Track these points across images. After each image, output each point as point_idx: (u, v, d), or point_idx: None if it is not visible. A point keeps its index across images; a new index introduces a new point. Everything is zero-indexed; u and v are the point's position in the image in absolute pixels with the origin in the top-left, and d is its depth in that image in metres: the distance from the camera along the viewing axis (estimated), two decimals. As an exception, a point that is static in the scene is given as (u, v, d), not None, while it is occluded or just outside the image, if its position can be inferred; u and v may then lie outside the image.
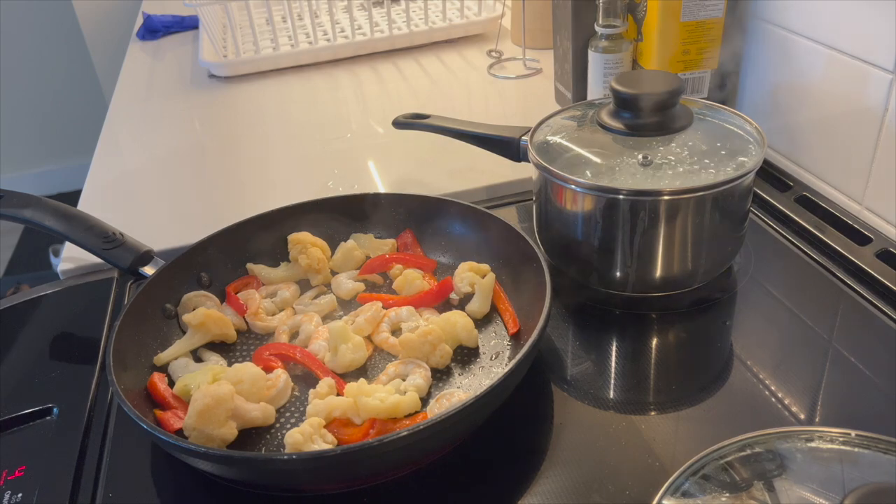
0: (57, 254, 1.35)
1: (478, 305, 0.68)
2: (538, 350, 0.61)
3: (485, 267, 0.71)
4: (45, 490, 0.55)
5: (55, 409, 0.62)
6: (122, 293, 0.77)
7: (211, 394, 0.55)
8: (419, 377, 0.61)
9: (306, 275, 0.74)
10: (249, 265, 0.75)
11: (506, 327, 0.67)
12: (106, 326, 0.72)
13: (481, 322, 0.68)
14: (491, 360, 0.64)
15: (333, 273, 0.76)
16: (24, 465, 0.57)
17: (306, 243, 0.74)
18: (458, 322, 0.64)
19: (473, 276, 0.70)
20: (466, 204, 0.75)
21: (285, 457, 0.50)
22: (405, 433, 0.49)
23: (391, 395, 0.57)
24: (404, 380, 0.61)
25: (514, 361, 0.54)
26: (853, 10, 0.73)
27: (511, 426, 0.56)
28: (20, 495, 0.54)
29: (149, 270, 0.70)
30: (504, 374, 0.52)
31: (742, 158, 0.66)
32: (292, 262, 0.75)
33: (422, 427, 0.49)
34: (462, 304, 0.69)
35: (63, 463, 0.57)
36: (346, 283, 0.73)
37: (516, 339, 0.65)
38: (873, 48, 0.71)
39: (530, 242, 0.67)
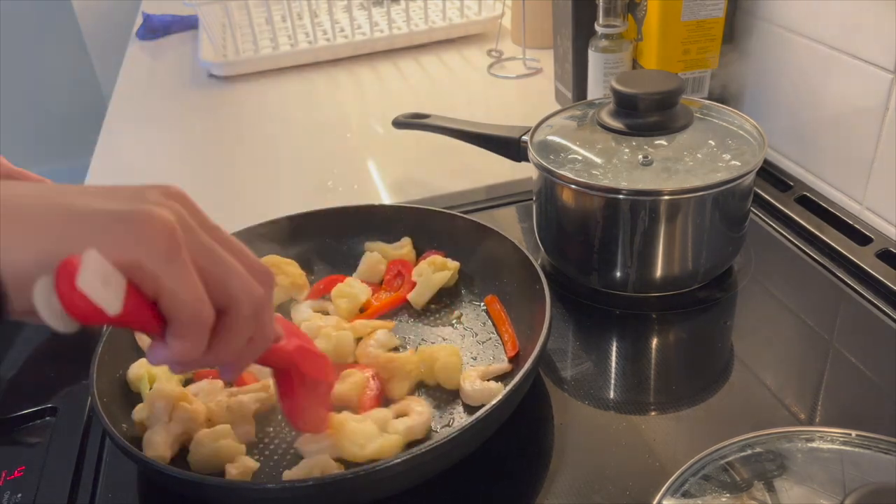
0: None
1: (414, 295, 0.66)
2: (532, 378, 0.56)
3: (452, 263, 0.68)
4: (45, 490, 0.55)
5: (55, 409, 0.62)
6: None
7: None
8: (412, 421, 0.54)
9: (288, 296, 0.69)
10: None
11: (505, 350, 0.63)
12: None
13: (480, 343, 0.64)
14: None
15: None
16: (23, 466, 0.57)
17: (279, 264, 0.69)
18: (439, 359, 0.58)
19: (424, 268, 0.67)
20: (470, 219, 0.71)
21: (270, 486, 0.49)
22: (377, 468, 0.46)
23: (372, 441, 0.51)
24: (395, 417, 0.55)
25: (467, 422, 0.49)
26: (853, 10, 0.73)
27: (511, 428, 0.55)
28: (20, 495, 0.54)
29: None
30: (446, 436, 0.48)
31: (742, 158, 0.66)
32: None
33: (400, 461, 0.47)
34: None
35: (63, 463, 0.57)
36: (305, 312, 0.68)
37: (511, 366, 0.61)
38: (873, 48, 0.71)
39: (535, 265, 0.63)
